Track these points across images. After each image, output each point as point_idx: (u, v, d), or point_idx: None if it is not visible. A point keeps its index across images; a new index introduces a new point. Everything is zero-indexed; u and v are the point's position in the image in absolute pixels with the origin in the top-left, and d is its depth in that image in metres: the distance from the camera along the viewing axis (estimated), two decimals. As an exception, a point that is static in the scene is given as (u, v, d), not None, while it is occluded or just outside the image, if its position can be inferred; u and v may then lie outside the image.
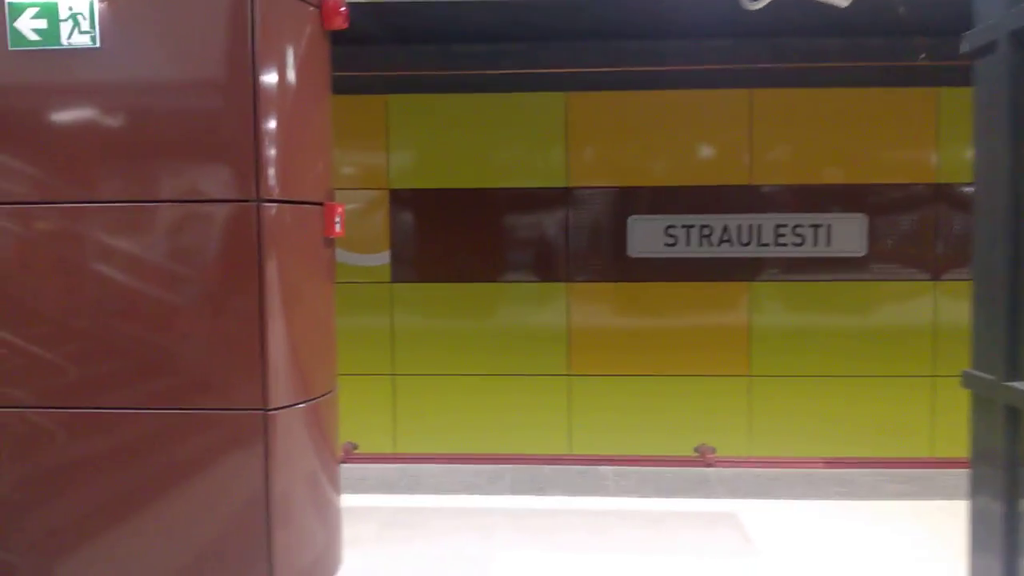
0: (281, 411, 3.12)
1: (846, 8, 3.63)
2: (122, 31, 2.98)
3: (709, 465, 5.53)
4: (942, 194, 5.96)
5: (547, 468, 4.98)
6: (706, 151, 6.15)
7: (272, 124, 3.02)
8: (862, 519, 4.13)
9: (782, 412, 6.04)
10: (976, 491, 2.17)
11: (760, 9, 4.00)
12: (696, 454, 5.93)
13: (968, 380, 2.13)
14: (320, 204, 3.32)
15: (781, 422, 6.03)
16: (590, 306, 6.16)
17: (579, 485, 4.62)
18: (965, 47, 2.03)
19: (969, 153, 5.94)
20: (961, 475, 4.92)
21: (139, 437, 3.13)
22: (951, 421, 5.88)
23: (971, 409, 2.17)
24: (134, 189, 3.05)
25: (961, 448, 5.78)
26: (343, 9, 3.18)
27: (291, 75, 3.11)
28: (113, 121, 3.05)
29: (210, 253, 3.05)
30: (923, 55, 5.57)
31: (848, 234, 6.01)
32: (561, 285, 6.14)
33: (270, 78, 3.01)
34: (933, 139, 5.95)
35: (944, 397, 5.94)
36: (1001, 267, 1.92)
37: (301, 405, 3.21)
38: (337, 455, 3.60)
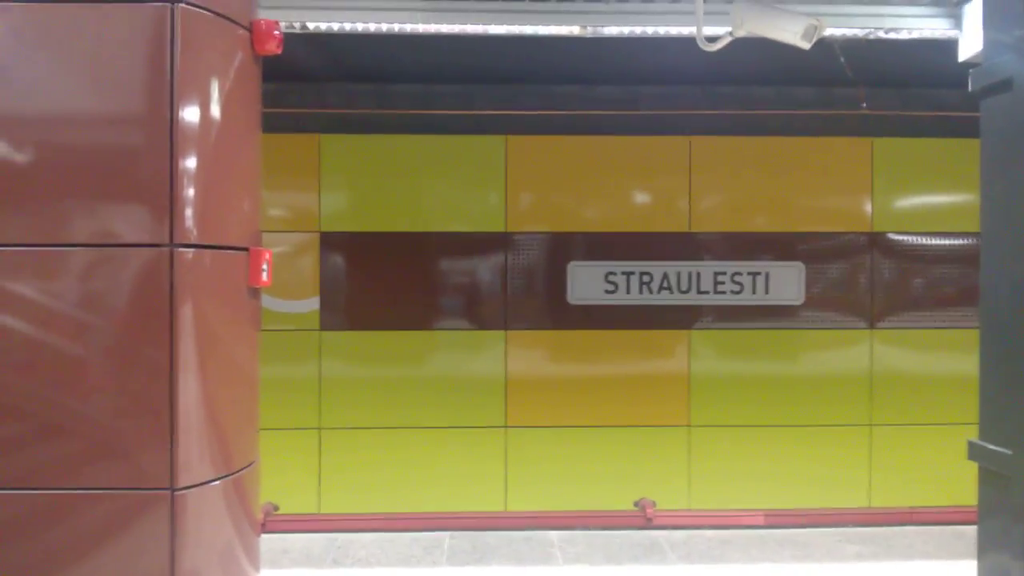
0: (192, 490, 2.71)
1: (806, 52, 3.55)
2: (22, 55, 2.62)
3: (650, 520, 5.33)
4: (877, 243, 5.99)
5: (489, 535, 4.62)
6: (646, 197, 6.04)
7: (191, 160, 2.67)
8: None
9: (721, 463, 5.90)
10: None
11: (713, 52, 3.91)
12: (636, 508, 5.75)
13: (976, 452, 1.92)
14: (245, 249, 2.96)
15: (720, 473, 5.89)
16: (528, 354, 5.92)
17: (524, 553, 4.28)
18: (972, 86, 1.85)
19: (903, 202, 6.09)
20: (909, 533, 4.87)
21: (27, 514, 2.66)
22: (887, 470, 5.86)
23: (980, 483, 1.94)
24: (33, 231, 2.65)
25: (895, 497, 5.80)
26: (277, 33, 2.87)
27: (215, 106, 2.77)
28: (11, 156, 2.65)
29: (119, 304, 2.66)
30: (864, 104, 5.63)
31: (786, 282, 5.98)
32: (499, 333, 5.89)
33: (191, 109, 2.67)
34: (868, 188, 6.00)
35: (880, 446, 5.91)
36: (1021, 328, 1.72)
37: (216, 482, 2.80)
38: (257, 528, 3.19)
